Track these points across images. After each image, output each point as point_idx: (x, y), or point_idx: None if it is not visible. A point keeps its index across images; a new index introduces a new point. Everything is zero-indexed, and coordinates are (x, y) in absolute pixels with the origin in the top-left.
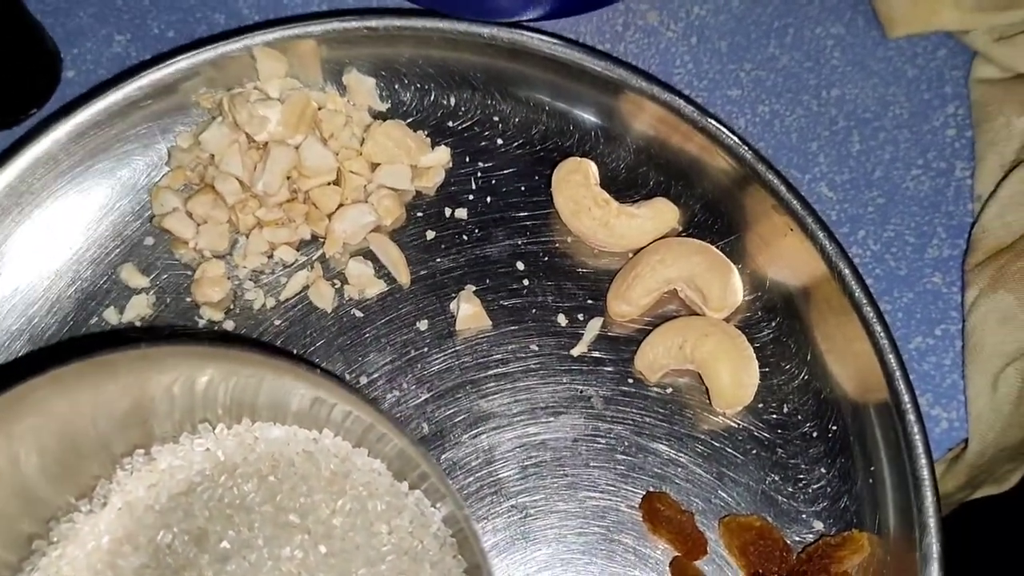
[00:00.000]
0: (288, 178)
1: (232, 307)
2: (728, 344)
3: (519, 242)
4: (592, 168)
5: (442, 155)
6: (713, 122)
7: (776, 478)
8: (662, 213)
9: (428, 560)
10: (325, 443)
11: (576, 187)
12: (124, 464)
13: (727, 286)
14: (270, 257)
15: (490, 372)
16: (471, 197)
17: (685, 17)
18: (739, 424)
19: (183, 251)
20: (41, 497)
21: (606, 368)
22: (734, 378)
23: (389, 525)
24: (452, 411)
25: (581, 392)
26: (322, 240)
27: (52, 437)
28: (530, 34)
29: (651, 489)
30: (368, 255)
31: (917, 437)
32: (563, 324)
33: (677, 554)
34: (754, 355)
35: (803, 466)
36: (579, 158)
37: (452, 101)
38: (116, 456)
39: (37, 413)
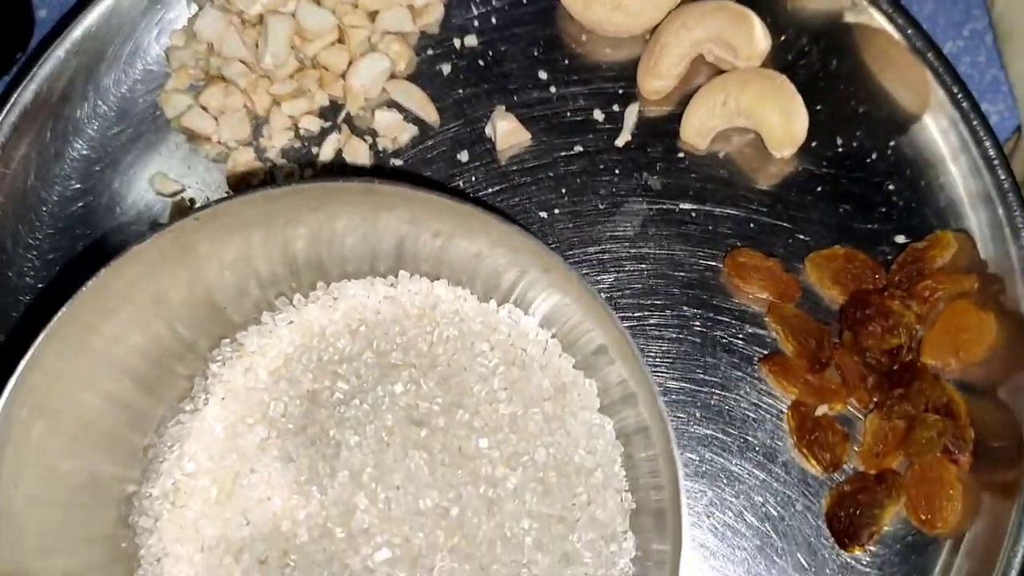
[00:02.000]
0: (292, 48)
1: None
2: (770, 86)
3: (535, 53)
4: None
5: (435, 11)
6: None
7: (848, 207)
8: None
9: (536, 364)
10: (405, 285)
11: None
12: (214, 357)
13: (753, 32)
14: (296, 131)
15: (541, 183)
16: (476, 23)
17: None
18: (799, 167)
19: (208, 147)
20: (143, 410)
21: (656, 149)
22: (784, 117)
23: (489, 342)
24: None
25: (637, 179)
26: (342, 102)
27: (136, 350)
28: None
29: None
30: (391, 104)
31: (977, 124)
32: (601, 119)
33: (772, 300)
34: (797, 92)
35: (870, 190)
36: None
37: None
38: (204, 352)
39: (126, 304)
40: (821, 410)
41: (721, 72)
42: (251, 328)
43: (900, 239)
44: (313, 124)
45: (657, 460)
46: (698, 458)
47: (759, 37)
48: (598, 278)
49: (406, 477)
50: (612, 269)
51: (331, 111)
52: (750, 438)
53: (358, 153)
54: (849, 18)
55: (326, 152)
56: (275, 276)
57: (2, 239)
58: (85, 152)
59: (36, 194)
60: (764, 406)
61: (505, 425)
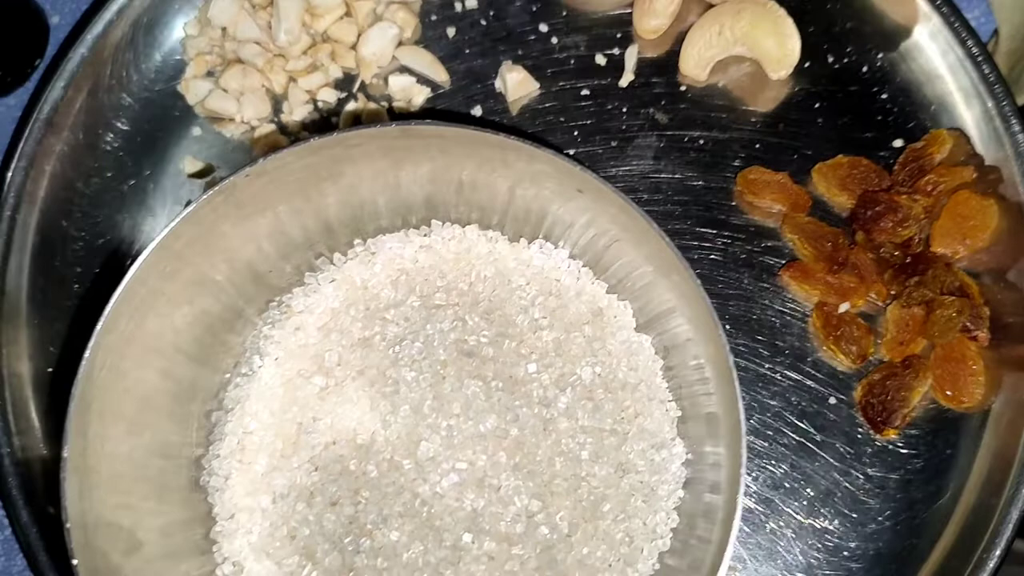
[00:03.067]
0: (303, 25)
1: None
2: (762, 12)
3: (534, 7)
4: None
5: None
6: None
7: (846, 119)
8: None
9: (572, 292)
10: (438, 233)
11: None
12: (266, 320)
13: None
14: (315, 104)
15: (553, 128)
16: None
17: None
18: (796, 87)
19: (231, 128)
20: (197, 381)
21: (658, 87)
22: (778, 39)
23: (525, 276)
24: None
25: (644, 115)
26: (355, 72)
27: (190, 319)
28: None
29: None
30: (403, 70)
31: (959, 26)
32: (603, 63)
33: (785, 212)
34: (788, 15)
35: (866, 100)
36: None
37: None
38: (251, 318)
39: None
40: (843, 307)
41: (712, 6)
42: (295, 290)
43: (898, 143)
44: (330, 96)
45: (704, 368)
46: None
47: None
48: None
49: (464, 404)
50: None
51: (346, 82)
52: (779, 343)
53: (377, 118)
54: None
55: (345, 120)
56: (312, 237)
57: (48, 232)
58: (115, 144)
59: (72, 186)
60: (788, 312)
61: (550, 350)
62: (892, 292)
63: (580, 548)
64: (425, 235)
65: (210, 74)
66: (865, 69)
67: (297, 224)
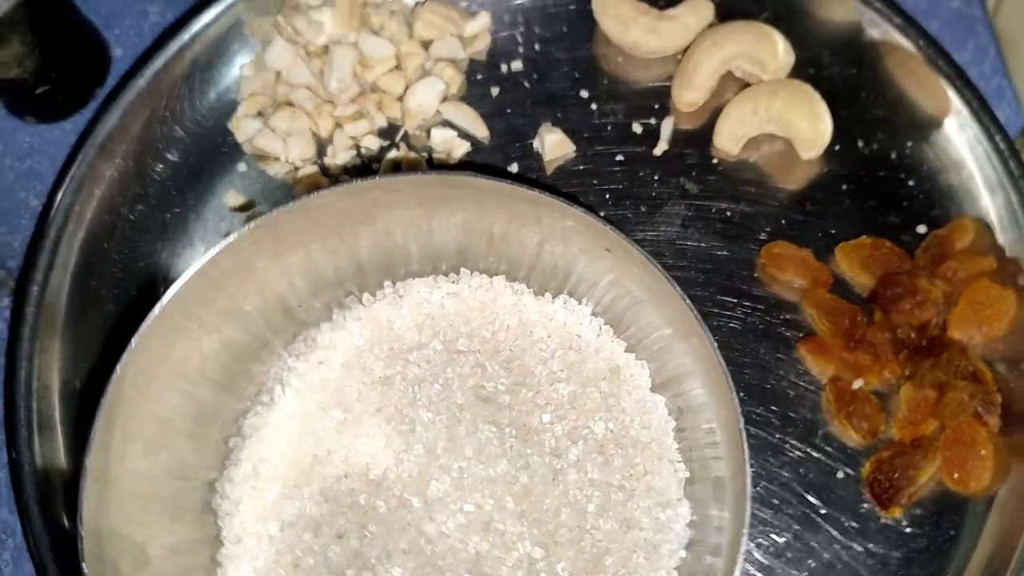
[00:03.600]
0: (354, 75)
1: None
2: (797, 93)
3: (576, 74)
4: None
5: (484, 20)
6: None
7: (872, 203)
8: (699, 9)
9: (591, 348)
10: (466, 281)
11: (617, 5)
12: (291, 352)
13: (778, 48)
14: (357, 150)
15: (586, 190)
16: (521, 50)
17: None
18: (824, 168)
19: (276, 167)
20: (218, 407)
21: (690, 158)
22: (811, 121)
23: (547, 329)
24: None
25: (675, 184)
26: (399, 123)
27: (219, 347)
28: None
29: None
30: (445, 123)
31: (988, 121)
32: (639, 131)
33: (806, 286)
34: (822, 98)
35: (892, 186)
36: None
37: None
38: (277, 349)
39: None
40: (857, 384)
41: (748, 85)
42: (323, 325)
43: (921, 229)
44: (373, 143)
45: (716, 432)
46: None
47: (783, 52)
48: None
49: (477, 448)
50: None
51: (389, 131)
52: (791, 414)
53: (416, 167)
54: (866, 33)
55: (386, 167)
56: (343, 276)
57: (90, 252)
58: (163, 173)
59: (118, 210)
60: (803, 384)
61: (566, 402)
62: (906, 373)
63: None
64: (453, 282)
65: (260, 114)
66: (894, 155)
67: (331, 263)
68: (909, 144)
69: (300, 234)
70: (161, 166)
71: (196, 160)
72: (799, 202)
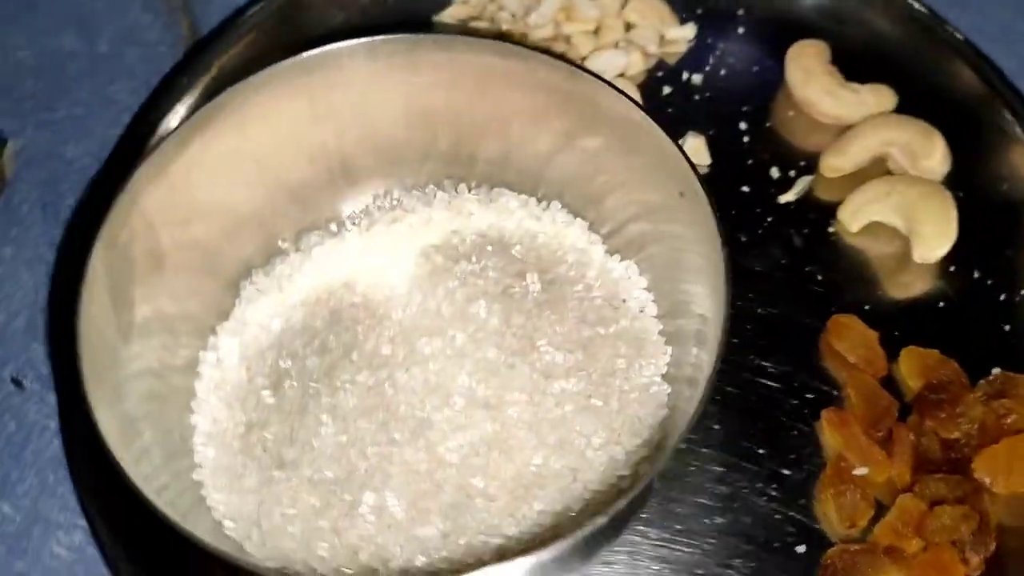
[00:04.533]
0: (556, 21)
1: None
2: (935, 194)
3: (744, 108)
4: (826, 48)
5: (688, 32)
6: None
7: (960, 330)
8: (883, 94)
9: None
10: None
11: (810, 58)
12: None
13: (939, 149)
14: None
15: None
16: (708, 68)
17: None
18: (931, 281)
19: None
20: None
21: (809, 218)
22: (936, 227)
23: (599, 278)
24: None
25: (783, 231)
26: None
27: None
28: None
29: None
30: None
31: None
32: (775, 176)
33: (856, 366)
34: (956, 211)
35: (988, 324)
36: (817, 40)
37: None
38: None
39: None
40: (861, 471)
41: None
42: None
43: (996, 371)
44: None
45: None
46: (724, 469)
47: (941, 155)
48: None
49: (480, 321)
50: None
51: None
52: (784, 472)
53: None
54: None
55: None
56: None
57: None
58: None
59: None
60: (807, 452)
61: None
62: (912, 482)
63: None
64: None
65: (462, 21)
66: (1003, 298)
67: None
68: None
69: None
70: None
71: None
72: (890, 299)
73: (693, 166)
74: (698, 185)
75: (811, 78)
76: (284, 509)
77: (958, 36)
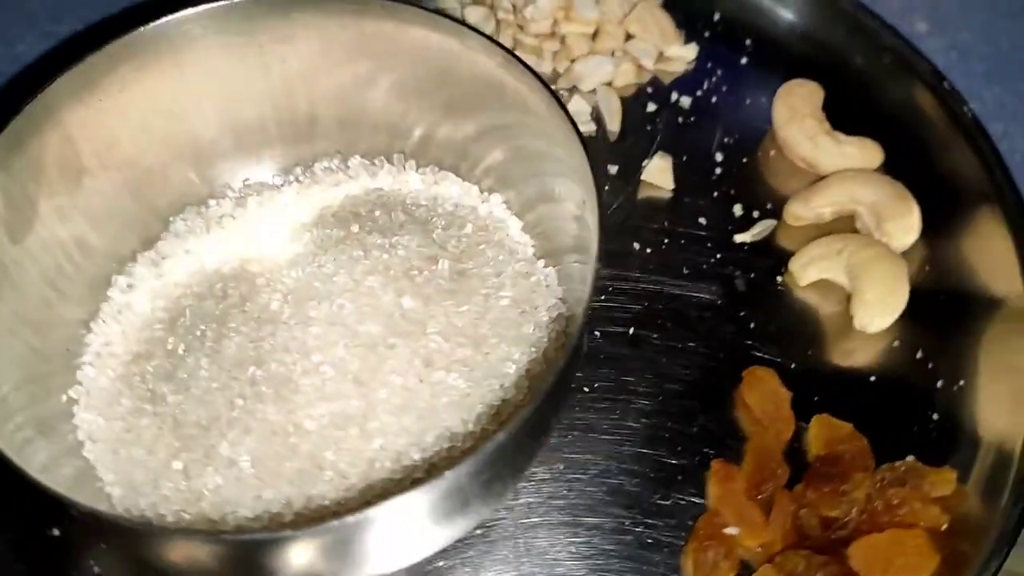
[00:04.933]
0: (553, 19)
1: None
2: (888, 261)
3: (725, 139)
4: (820, 92)
5: (689, 52)
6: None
7: (889, 410)
8: (868, 150)
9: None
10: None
11: (799, 98)
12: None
13: (910, 217)
14: None
15: (654, 226)
16: (699, 93)
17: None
18: (867, 349)
19: None
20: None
21: (759, 264)
22: (881, 294)
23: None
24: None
25: (729, 271)
26: (557, 77)
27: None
28: None
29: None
30: (592, 103)
31: None
32: (738, 214)
33: (762, 421)
34: (908, 284)
35: (916, 411)
36: (811, 82)
37: (719, 16)
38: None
39: None
40: (731, 530)
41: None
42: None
43: (911, 458)
44: None
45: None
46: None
47: (910, 225)
48: (628, 307)
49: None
50: (650, 316)
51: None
52: (661, 503)
53: None
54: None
55: None
56: None
57: None
58: None
59: None
60: (687, 497)
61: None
62: (778, 551)
63: None
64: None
65: (462, 3)
66: (940, 384)
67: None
68: (961, 385)
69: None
70: None
71: None
72: (814, 358)
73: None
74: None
75: (795, 118)
76: (144, 442)
77: (967, 110)
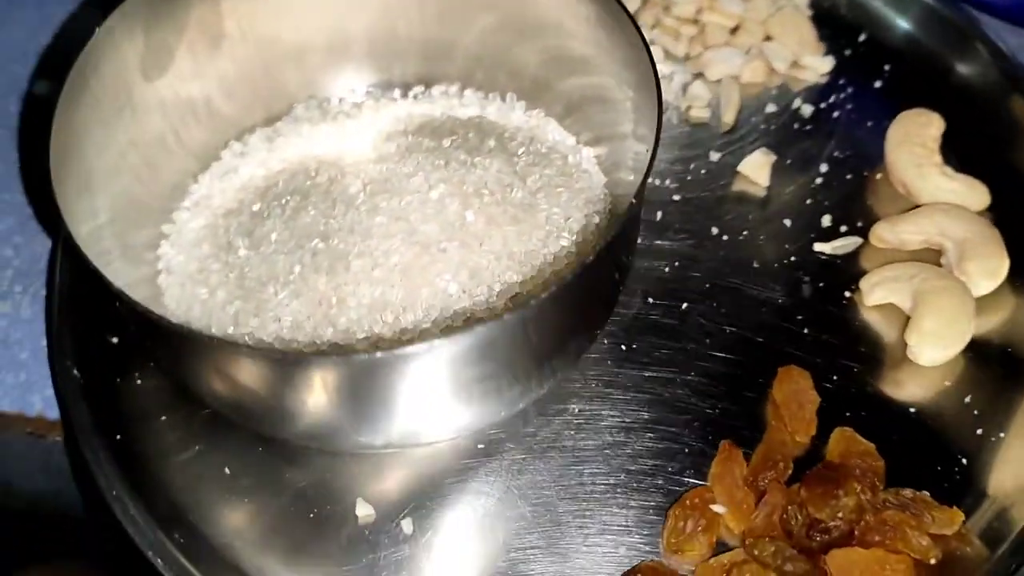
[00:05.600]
0: (699, 8)
1: None
2: (956, 296)
3: (836, 153)
4: (941, 124)
5: (824, 64)
6: None
7: (908, 441)
8: (974, 190)
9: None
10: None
11: (916, 125)
12: None
13: (993, 264)
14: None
15: (737, 217)
16: (823, 105)
17: None
18: (914, 380)
19: None
20: None
21: (833, 272)
22: (940, 325)
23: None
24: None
25: (798, 273)
26: (687, 58)
27: None
28: None
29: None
30: (712, 89)
31: None
32: (825, 225)
33: (785, 415)
34: (973, 322)
35: (943, 444)
36: (934, 113)
37: (864, 36)
38: None
39: None
40: (718, 508)
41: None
42: None
43: (926, 493)
44: (658, 54)
45: None
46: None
47: (994, 270)
48: (688, 284)
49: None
50: (707, 296)
51: (677, 59)
52: (658, 465)
53: None
54: None
55: None
56: None
57: None
58: None
59: None
60: (685, 475)
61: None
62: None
63: None
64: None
65: None
66: (979, 431)
67: None
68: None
69: None
70: None
71: None
72: (864, 382)
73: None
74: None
75: (906, 143)
76: (209, 284)
77: None
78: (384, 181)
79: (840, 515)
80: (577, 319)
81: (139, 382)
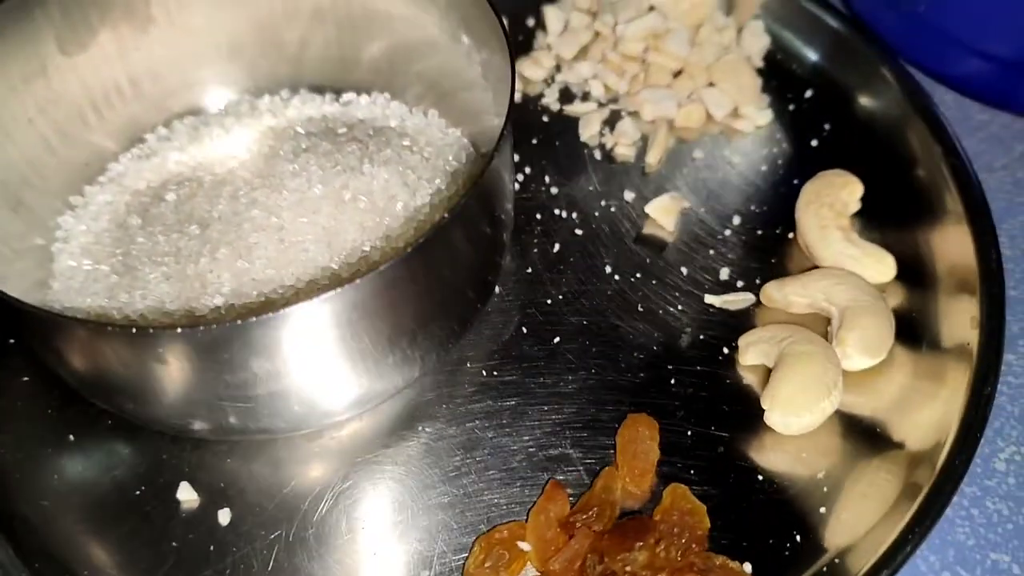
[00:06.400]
0: (644, 42)
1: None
2: (818, 363)
3: (752, 207)
4: (859, 189)
5: (762, 117)
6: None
7: (754, 501)
8: (880, 262)
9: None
10: None
11: (829, 186)
12: None
13: (873, 340)
14: (585, 80)
15: (633, 258)
16: (754, 157)
17: None
18: (773, 446)
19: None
20: None
21: (716, 327)
22: (794, 392)
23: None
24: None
25: (682, 324)
26: (620, 97)
27: None
28: None
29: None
30: (644, 130)
31: None
32: (723, 277)
33: (622, 465)
34: (835, 394)
35: (782, 515)
36: (853, 176)
37: (811, 94)
38: None
39: None
40: (524, 545)
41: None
42: None
43: (744, 566)
44: (597, 89)
45: None
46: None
47: (869, 346)
48: (566, 318)
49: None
50: (580, 334)
51: (611, 98)
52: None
53: (588, 128)
54: None
55: (578, 108)
56: None
57: None
58: None
59: None
60: (510, 502)
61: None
62: None
63: None
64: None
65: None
66: (822, 510)
67: None
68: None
69: None
70: None
71: None
72: (723, 438)
73: None
74: None
75: (814, 203)
76: (103, 253)
77: (992, 259)
78: (269, 177)
79: (628, 568)
80: (433, 302)
81: None
